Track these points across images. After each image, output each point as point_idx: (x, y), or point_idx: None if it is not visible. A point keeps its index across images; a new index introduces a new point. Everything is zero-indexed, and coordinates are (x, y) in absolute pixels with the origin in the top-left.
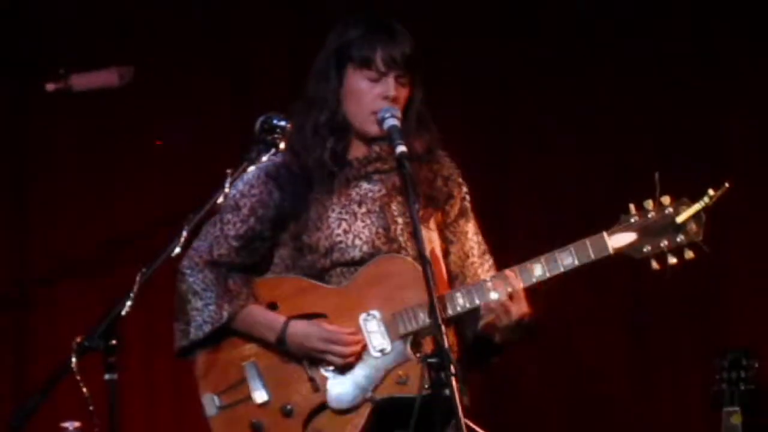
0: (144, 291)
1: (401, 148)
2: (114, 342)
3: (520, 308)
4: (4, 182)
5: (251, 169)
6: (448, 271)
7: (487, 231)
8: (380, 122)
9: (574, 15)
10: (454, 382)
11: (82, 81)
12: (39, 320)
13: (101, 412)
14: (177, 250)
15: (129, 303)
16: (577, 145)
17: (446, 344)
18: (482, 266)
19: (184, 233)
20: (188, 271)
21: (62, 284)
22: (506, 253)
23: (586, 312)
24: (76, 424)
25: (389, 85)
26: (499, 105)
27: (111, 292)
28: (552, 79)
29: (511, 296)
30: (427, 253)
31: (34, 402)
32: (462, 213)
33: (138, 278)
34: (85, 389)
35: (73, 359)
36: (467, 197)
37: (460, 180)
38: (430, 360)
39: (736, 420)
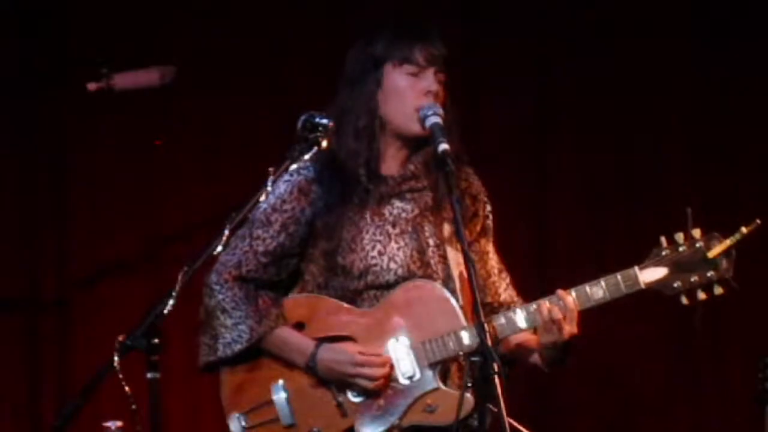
0: (186, 289)
1: (444, 146)
2: (156, 341)
3: (572, 328)
4: (46, 182)
5: (284, 180)
6: None
7: (527, 233)
8: (422, 120)
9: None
10: (497, 380)
11: (123, 80)
12: (81, 320)
13: (143, 412)
14: (219, 248)
15: (171, 301)
16: (616, 145)
17: (489, 342)
18: (501, 285)
19: (227, 232)
20: (217, 288)
21: (104, 284)
22: (547, 254)
23: (630, 310)
24: (119, 423)
25: (431, 80)
26: (538, 104)
27: (153, 291)
28: (591, 78)
29: (564, 316)
30: (456, 273)
31: (77, 401)
32: (484, 232)
33: (180, 276)
34: (127, 388)
35: (116, 358)
36: (490, 216)
37: (486, 198)
38: (473, 359)
39: None
